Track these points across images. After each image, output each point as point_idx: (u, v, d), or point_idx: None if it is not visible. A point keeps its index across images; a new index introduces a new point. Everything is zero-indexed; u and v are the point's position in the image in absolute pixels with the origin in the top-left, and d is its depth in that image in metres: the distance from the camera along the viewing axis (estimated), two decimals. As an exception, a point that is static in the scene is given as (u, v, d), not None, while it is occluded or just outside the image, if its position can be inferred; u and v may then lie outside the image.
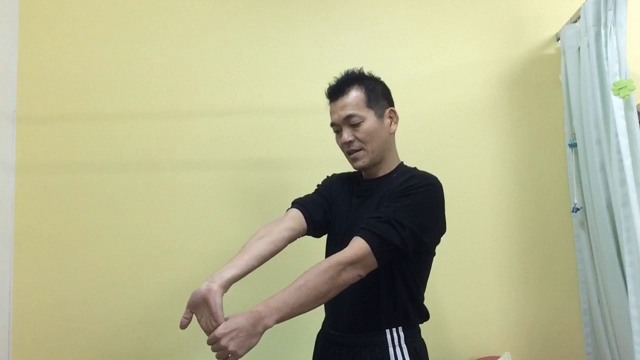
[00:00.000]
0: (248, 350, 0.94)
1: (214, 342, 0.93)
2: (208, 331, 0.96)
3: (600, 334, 1.62)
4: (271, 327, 0.95)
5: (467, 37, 1.90)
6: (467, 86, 1.87)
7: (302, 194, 1.35)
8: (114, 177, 1.83)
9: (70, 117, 1.85)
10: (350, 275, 1.02)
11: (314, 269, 1.01)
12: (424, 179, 1.15)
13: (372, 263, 1.05)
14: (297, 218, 1.22)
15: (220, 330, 0.92)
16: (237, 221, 1.82)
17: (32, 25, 1.89)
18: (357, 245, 1.04)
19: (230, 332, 0.92)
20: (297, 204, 1.28)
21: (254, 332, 0.93)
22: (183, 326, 1.00)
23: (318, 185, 1.37)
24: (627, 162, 1.37)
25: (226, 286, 1.00)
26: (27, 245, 1.79)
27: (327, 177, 1.39)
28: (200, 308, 0.98)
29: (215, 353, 0.94)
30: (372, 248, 1.03)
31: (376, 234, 1.04)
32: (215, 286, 0.98)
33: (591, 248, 1.65)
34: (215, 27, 1.91)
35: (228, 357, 0.93)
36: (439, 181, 1.16)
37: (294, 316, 0.98)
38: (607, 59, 1.47)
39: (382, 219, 1.06)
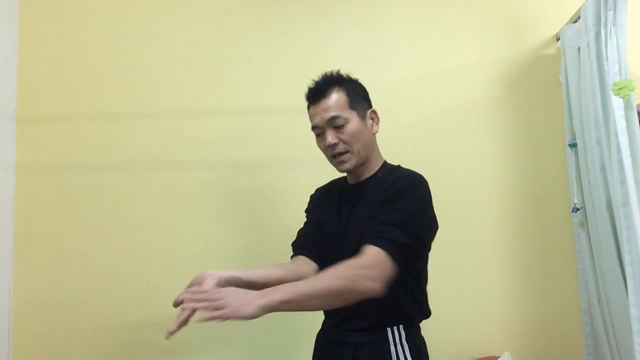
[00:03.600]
0: (241, 316, 0.84)
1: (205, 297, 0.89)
2: (182, 302, 0.92)
3: (600, 334, 1.61)
4: (275, 306, 0.88)
5: (467, 37, 1.90)
6: (467, 86, 1.87)
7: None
8: (114, 177, 1.83)
9: (70, 117, 1.85)
10: (367, 282, 0.98)
11: (325, 271, 1.00)
12: (412, 178, 1.15)
13: (389, 267, 1.02)
14: (310, 265, 1.22)
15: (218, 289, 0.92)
16: (237, 221, 1.82)
17: (32, 25, 1.89)
18: (372, 252, 1.02)
19: (232, 290, 0.89)
20: (300, 249, 1.26)
21: (252, 299, 0.87)
22: (175, 304, 0.95)
23: (306, 212, 1.36)
24: (627, 162, 1.37)
25: (225, 280, 1.02)
26: (27, 245, 1.79)
27: (310, 196, 1.38)
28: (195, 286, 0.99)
29: (203, 312, 0.86)
30: (386, 251, 1.02)
31: (386, 238, 1.04)
32: (217, 274, 1.01)
33: (591, 248, 1.65)
34: (215, 27, 1.91)
35: (215, 314, 0.84)
36: (424, 178, 1.16)
37: (300, 306, 0.93)
38: (607, 59, 1.47)
39: (386, 223, 1.06)
